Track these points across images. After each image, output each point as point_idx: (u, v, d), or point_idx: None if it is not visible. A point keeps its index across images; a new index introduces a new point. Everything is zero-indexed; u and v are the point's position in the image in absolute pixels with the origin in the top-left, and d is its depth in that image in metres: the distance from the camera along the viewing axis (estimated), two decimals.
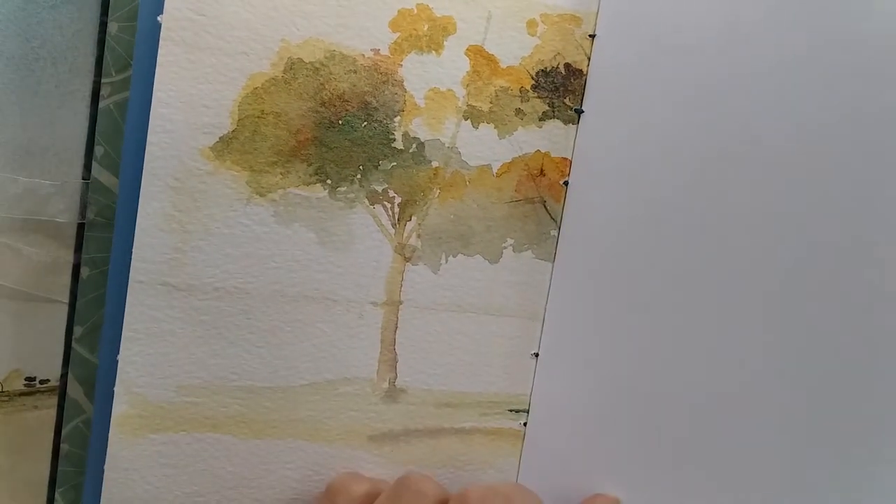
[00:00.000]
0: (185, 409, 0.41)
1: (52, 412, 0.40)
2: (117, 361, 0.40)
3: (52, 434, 0.40)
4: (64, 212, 0.38)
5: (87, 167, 0.39)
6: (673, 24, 0.43)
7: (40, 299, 0.38)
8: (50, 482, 0.41)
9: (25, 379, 0.39)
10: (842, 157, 0.36)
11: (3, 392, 0.38)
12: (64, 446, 0.41)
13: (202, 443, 0.42)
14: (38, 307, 0.38)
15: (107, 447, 0.40)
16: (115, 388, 0.40)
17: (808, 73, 0.37)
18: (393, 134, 0.43)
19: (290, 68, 0.41)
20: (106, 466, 0.40)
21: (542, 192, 0.47)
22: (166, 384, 0.41)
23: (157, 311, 0.40)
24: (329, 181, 0.42)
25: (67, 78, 0.37)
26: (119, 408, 0.40)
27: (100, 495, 0.40)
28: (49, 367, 0.39)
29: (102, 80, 0.39)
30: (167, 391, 0.41)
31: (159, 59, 0.38)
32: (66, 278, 0.39)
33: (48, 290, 0.38)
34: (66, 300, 0.39)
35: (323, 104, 0.41)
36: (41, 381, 0.39)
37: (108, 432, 0.40)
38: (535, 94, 0.46)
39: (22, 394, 0.39)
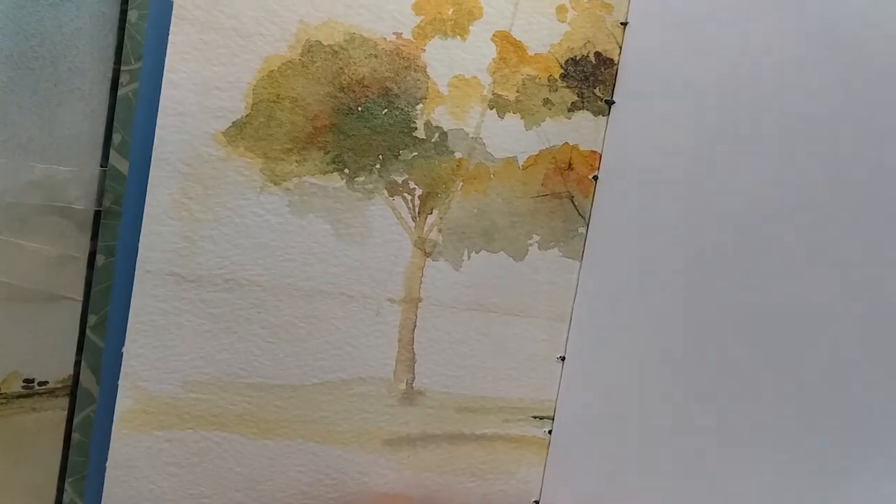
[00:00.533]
0: (191, 406, 0.39)
1: (51, 415, 0.38)
2: (122, 354, 0.38)
3: (50, 438, 0.39)
4: (81, 199, 0.37)
5: (105, 155, 0.38)
6: (707, 12, 0.41)
7: (41, 298, 0.37)
8: (60, 472, 0.39)
9: (24, 381, 0.38)
10: (877, 152, 0.33)
11: (0, 394, 0.37)
12: (75, 435, 0.39)
13: (209, 441, 0.40)
14: (38, 308, 0.37)
15: (109, 442, 0.38)
16: (120, 382, 0.38)
17: (849, 64, 0.35)
18: (414, 122, 0.41)
19: (308, 51, 0.39)
20: (108, 464, 0.39)
21: (569, 187, 0.44)
22: (172, 379, 0.39)
23: (165, 303, 0.38)
24: (347, 170, 0.40)
25: (67, 76, 0.36)
26: (123, 402, 0.38)
27: (101, 492, 0.39)
28: (48, 369, 0.38)
29: (122, 68, 0.37)
30: (173, 386, 0.39)
31: (171, 38, 0.36)
32: (71, 274, 0.38)
33: (52, 285, 0.37)
34: (70, 296, 0.38)
35: (341, 89, 0.40)
36: (40, 383, 0.38)
37: (112, 427, 0.38)
38: (564, 84, 0.44)
39: (20, 396, 0.38)
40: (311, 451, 0.42)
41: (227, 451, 0.40)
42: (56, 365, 0.39)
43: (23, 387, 0.38)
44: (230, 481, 0.41)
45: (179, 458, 0.40)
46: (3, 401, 0.38)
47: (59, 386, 0.38)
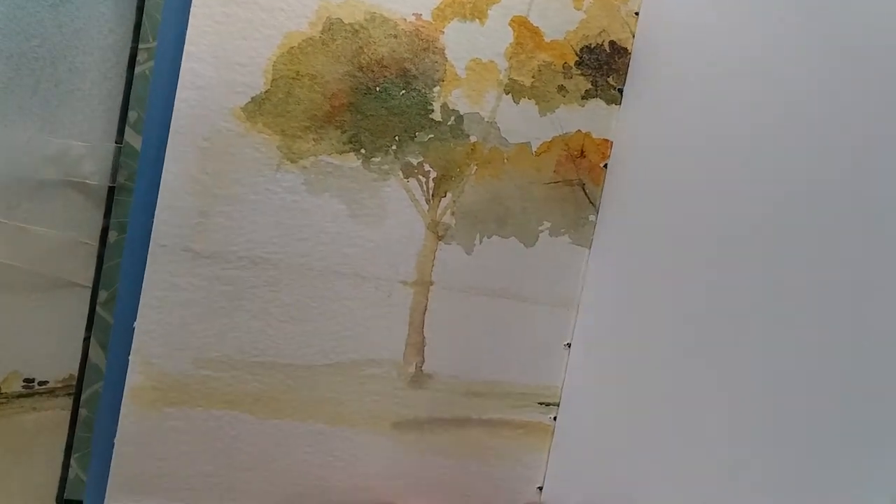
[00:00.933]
0: (201, 384, 0.39)
1: (51, 414, 0.38)
2: (133, 329, 0.38)
3: (51, 437, 0.38)
4: (95, 174, 0.37)
5: (120, 131, 0.38)
6: (721, 4, 0.42)
7: (44, 289, 0.37)
8: (66, 448, 0.39)
9: (24, 380, 0.38)
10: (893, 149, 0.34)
11: (1, 394, 0.37)
12: (82, 411, 0.38)
13: (218, 420, 0.40)
14: (40, 304, 0.37)
15: (118, 418, 0.38)
16: (130, 358, 0.38)
17: (865, 58, 0.35)
18: (431, 104, 0.41)
19: (329, 29, 0.39)
20: (116, 439, 0.38)
21: (581, 175, 0.45)
22: (183, 356, 0.39)
23: (179, 278, 0.38)
24: (363, 150, 0.40)
25: (67, 77, 0.36)
26: (133, 378, 0.38)
27: (108, 469, 0.38)
28: (48, 369, 0.38)
29: (139, 46, 0.37)
30: (184, 363, 0.39)
31: (192, 10, 0.36)
32: (78, 260, 0.37)
33: (58, 271, 0.37)
34: (75, 280, 0.38)
35: (360, 69, 0.40)
36: (40, 383, 0.38)
37: (120, 403, 0.38)
38: (579, 71, 0.44)
39: (20, 395, 0.38)
40: (319, 432, 0.41)
41: (237, 429, 0.40)
42: (56, 364, 0.39)
43: (23, 386, 0.38)
44: (238, 461, 0.40)
45: (188, 435, 0.39)
46: (4, 400, 0.38)
47: (59, 385, 0.38)
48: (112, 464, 0.38)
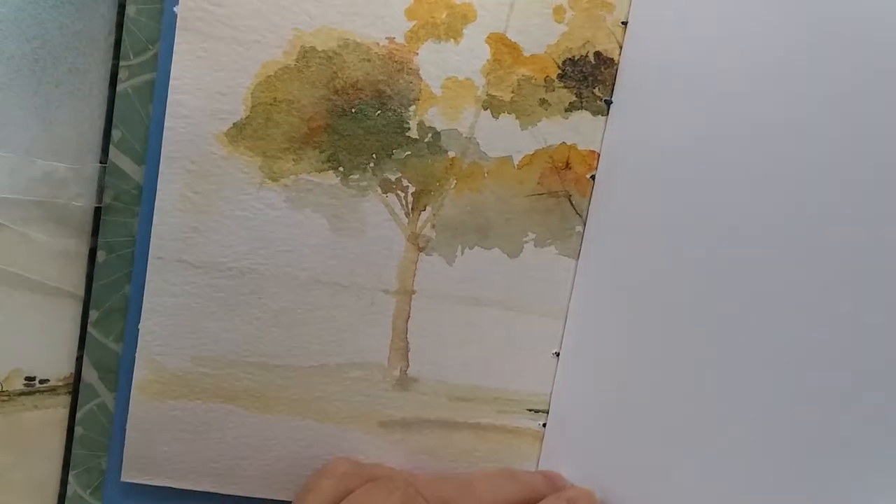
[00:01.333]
0: (199, 379, 0.44)
1: (53, 412, 0.41)
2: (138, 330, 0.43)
3: (52, 435, 0.42)
4: (81, 195, 0.40)
5: (105, 150, 0.42)
6: (711, 11, 0.40)
7: (44, 291, 0.40)
8: (63, 464, 0.43)
9: (25, 378, 0.41)
10: (882, 153, 0.32)
11: (2, 392, 0.40)
12: (78, 429, 0.44)
13: (216, 412, 0.44)
14: (42, 303, 0.40)
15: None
16: (136, 355, 0.43)
17: (854, 64, 0.33)
18: (407, 123, 0.43)
19: (303, 56, 0.42)
20: (128, 426, 0.43)
21: (567, 186, 0.45)
22: (182, 354, 0.43)
23: (175, 286, 0.43)
24: (341, 168, 0.43)
25: (67, 78, 0.39)
26: (140, 373, 0.43)
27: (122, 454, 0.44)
28: (49, 367, 0.41)
29: (121, 64, 0.41)
30: (183, 361, 0.43)
31: (175, 47, 0.40)
32: (76, 268, 0.41)
33: (55, 279, 0.40)
34: (73, 290, 0.41)
35: (336, 92, 0.42)
36: (41, 381, 0.41)
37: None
38: (562, 84, 0.44)
39: (22, 393, 0.41)
40: (309, 428, 0.45)
41: (233, 421, 0.44)
42: (57, 363, 0.42)
43: (24, 384, 0.41)
44: (235, 449, 0.45)
45: (190, 425, 0.44)
46: (6, 398, 0.41)
47: (60, 384, 0.42)
48: (125, 448, 0.44)
